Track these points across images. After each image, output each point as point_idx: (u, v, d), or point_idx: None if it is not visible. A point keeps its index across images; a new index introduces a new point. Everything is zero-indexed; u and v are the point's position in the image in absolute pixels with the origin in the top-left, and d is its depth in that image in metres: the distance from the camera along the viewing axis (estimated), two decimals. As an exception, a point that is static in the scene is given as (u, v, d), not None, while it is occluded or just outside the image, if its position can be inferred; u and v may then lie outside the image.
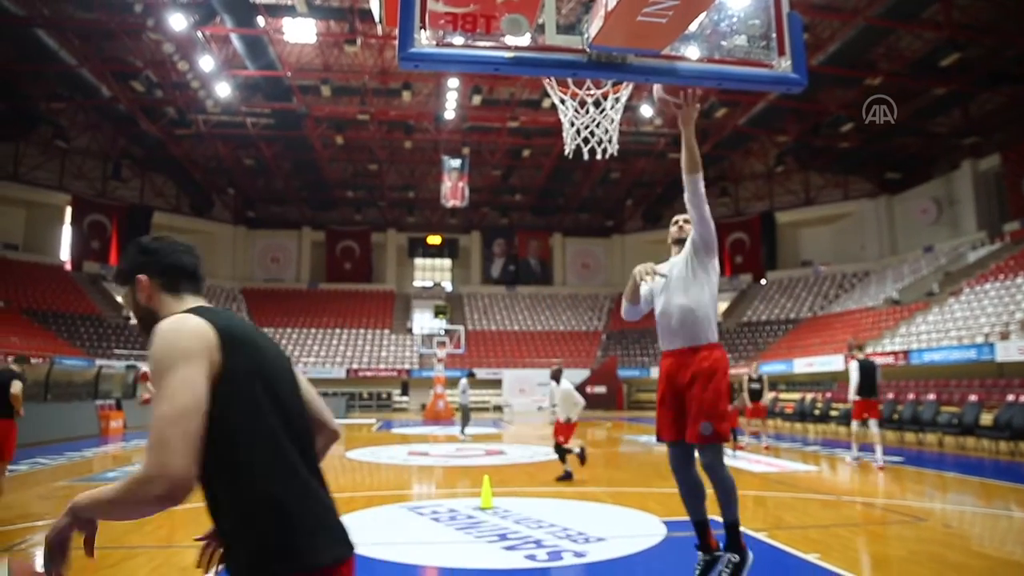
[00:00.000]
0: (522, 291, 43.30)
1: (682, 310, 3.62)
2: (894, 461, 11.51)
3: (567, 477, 9.12)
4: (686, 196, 3.59)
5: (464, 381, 17.85)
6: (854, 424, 11.16)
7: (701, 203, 3.56)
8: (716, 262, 3.75)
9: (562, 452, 9.41)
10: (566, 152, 3.47)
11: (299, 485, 1.49)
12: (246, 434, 1.46)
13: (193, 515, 6.83)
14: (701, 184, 3.56)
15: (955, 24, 21.69)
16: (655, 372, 34.45)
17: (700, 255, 3.66)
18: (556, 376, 9.93)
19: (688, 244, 3.73)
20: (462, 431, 16.78)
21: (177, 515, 7.03)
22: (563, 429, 9.58)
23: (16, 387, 6.72)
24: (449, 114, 29.64)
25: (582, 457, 9.45)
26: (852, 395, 10.92)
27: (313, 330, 37.96)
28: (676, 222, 3.95)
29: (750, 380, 14.04)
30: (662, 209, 42.52)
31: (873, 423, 10.80)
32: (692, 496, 3.74)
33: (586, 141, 3.38)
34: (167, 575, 4.76)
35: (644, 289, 3.99)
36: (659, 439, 3.75)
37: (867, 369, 10.86)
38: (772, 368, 26.53)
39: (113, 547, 5.49)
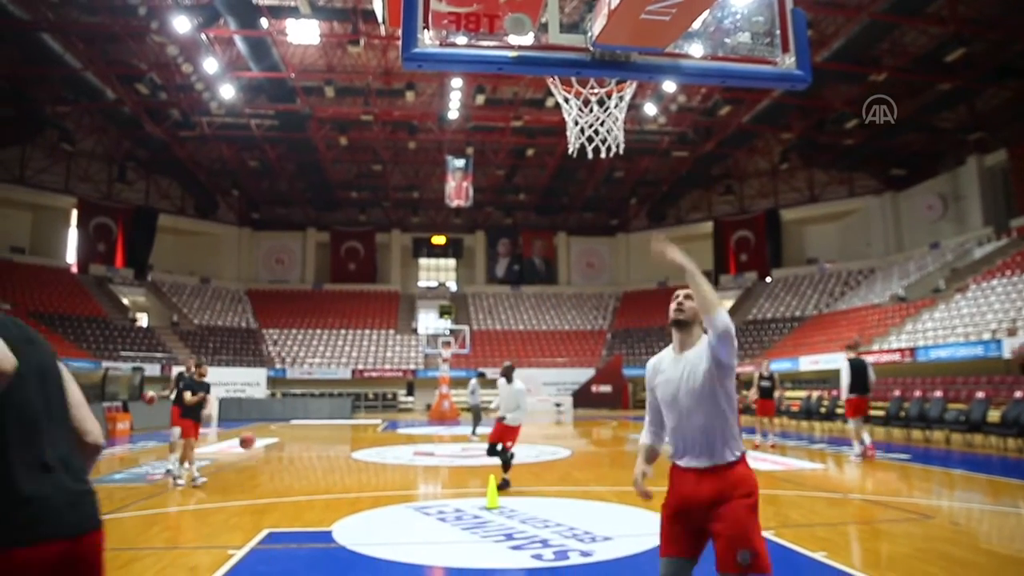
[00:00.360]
0: (527, 291, 43.30)
1: (704, 430, 2.89)
2: (901, 458, 11.47)
3: (505, 485, 8.07)
4: (710, 336, 2.81)
5: (474, 382, 17.89)
6: (851, 422, 11.43)
7: (729, 342, 2.80)
8: (735, 371, 2.96)
9: (504, 458, 8.40)
10: (570, 151, 3.46)
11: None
12: None
13: (201, 516, 6.85)
14: (724, 319, 2.76)
15: (960, 19, 21.60)
16: (660, 371, 34.35)
17: (722, 375, 2.86)
18: (507, 373, 8.86)
19: (708, 359, 2.87)
20: (474, 431, 16.78)
21: (184, 517, 7.06)
22: (504, 432, 8.48)
23: None
24: (453, 114, 29.65)
25: (506, 464, 8.43)
26: (844, 393, 11.25)
27: (318, 331, 38.02)
28: (676, 298, 3.02)
29: (760, 378, 13.99)
30: (666, 208, 42.51)
31: (859, 420, 11.18)
32: None
33: (590, 140, 3.37)
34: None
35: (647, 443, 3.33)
36: (661, 555, 2.92)
37: (857, 368, 11.13)
38: (778, 366, 26.41)
39: (121, 548, 5.51)
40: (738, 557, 2.73)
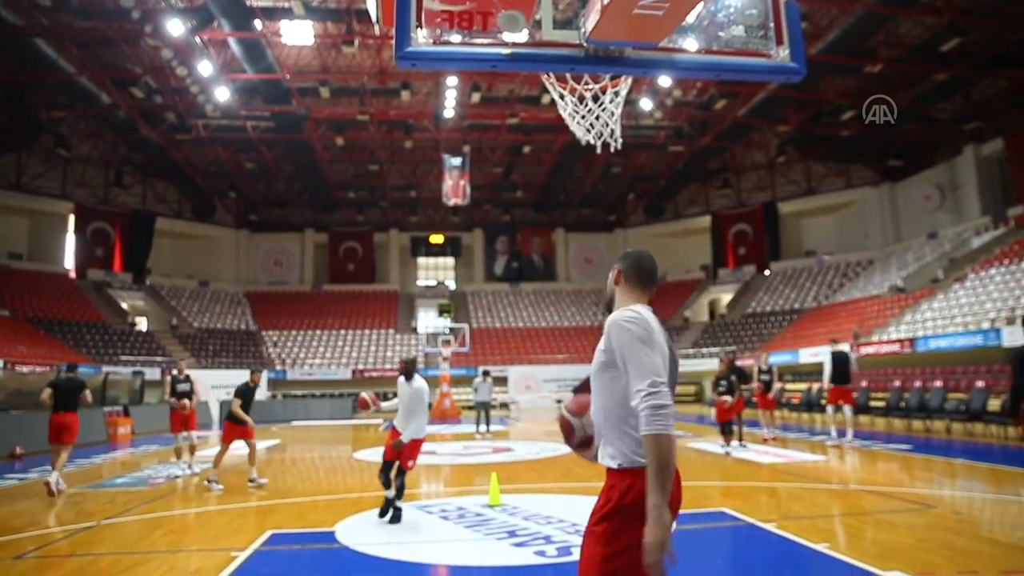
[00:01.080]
0: (526, 288, 43.31)
1: (599, 414, 2.46)
2: (902, 449, 11.49)
3: (397, 516, 6.39)
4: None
5: (478, 380, 17.95)
6: (829, 409, 12.59)
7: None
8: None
9: (394, 480, 6.46)
10: (582, 143, 3.44)
11: None
12: None
13: (204, 519, 6.85)
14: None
15: (955, 8, 21.58)
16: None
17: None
18: (408, 370, 6.64)
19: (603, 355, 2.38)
20: (477, 428, 16.85)
21: (187, 520, 7.06)
22: (404, 448, 6.38)
23: (88, 395, 9.01)
24: (448, 112, 29.61)
25: (395, 511, 6.42)
26: (826, 383, 12.33)
27: (318, 332, 38.01)
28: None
29: (760, 372, 13.89)
30: (664, 203, 42.48)
31: (847, 408, 12.24)
32: None
33: (590, 130, 3.38)
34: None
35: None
36: None
37: (839, 359, 12.19)
38: (777, 359, 26.45)
39: (125, 552, 5.51)
40: None
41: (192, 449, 10.46)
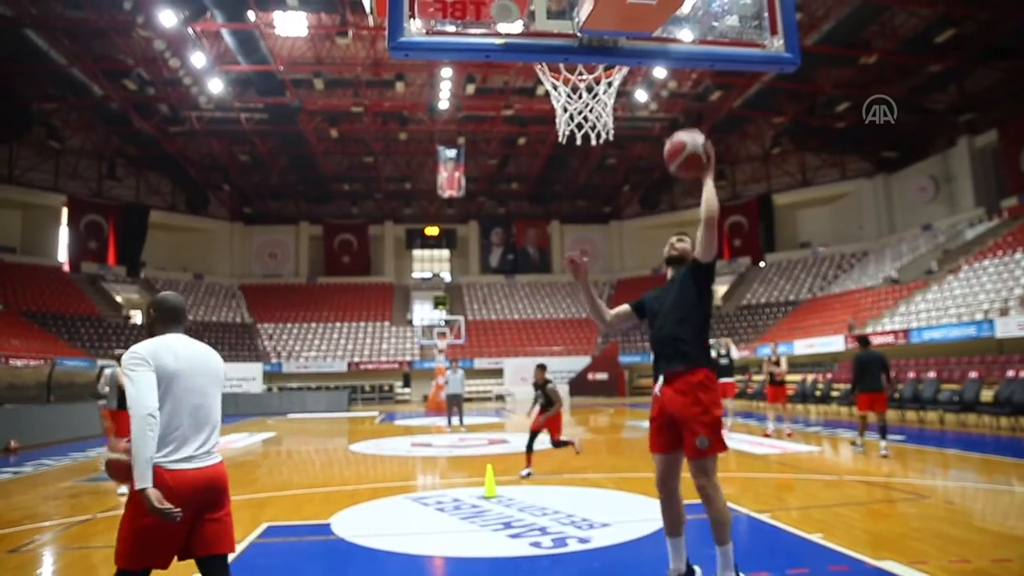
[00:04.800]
0: (521, 280, 43.29)
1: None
2: (895, 439, 11.54)
3: None
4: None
5: (449, 371, 17.47)
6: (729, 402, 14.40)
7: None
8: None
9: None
10: (559, 138, 3.45)
11: None
12: None
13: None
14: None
15: (949, 0, 21.58)
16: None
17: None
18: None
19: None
20: (460, 422, 16.47)
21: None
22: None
23: None
24: (443, 104, 29.52)
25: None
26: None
27: (313, 324, 37.97)
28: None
29: (770, 362, 13.63)
30: (659, 194, 42.48)
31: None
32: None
33: (580, 127, 3.36)
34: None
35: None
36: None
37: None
38: (769, 351, 26.54)
39: (120, 545, 5.50)
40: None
41: None
